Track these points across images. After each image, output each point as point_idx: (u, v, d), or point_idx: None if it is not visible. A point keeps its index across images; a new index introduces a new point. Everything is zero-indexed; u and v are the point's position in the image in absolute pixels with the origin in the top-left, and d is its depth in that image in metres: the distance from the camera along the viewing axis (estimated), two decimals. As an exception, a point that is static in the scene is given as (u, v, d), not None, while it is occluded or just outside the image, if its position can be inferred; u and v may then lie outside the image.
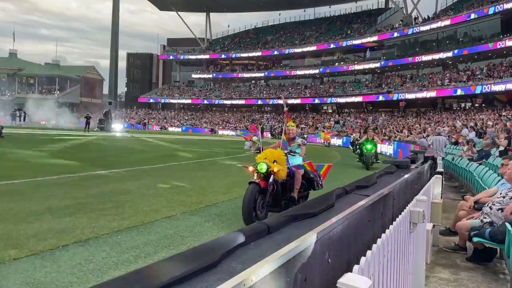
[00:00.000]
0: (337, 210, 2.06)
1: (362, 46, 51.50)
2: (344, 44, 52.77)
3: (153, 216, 5.61)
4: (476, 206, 5.21)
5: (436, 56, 42.53)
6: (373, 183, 3.26)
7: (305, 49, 57.41)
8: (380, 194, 2.67)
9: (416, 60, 44.43)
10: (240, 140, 33.07)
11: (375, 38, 49.25)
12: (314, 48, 56.29)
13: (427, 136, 17.94)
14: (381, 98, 45.22)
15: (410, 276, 3.08)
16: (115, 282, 1.10)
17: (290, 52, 58.81)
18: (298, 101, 54.59)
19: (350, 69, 52.59)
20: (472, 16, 38.58)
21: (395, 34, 46.85)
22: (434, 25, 42.85)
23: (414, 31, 44.91)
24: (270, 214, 5.46)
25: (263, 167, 5.33)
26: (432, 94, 40.18)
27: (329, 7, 65.33)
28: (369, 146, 14.07)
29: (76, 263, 3.70)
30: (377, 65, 49.47)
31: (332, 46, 54.11)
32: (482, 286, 3.93)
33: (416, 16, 48.06)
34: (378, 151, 16.00)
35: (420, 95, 41.31)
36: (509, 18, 34.86)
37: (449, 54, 40.85)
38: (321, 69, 55.92)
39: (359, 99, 48.36)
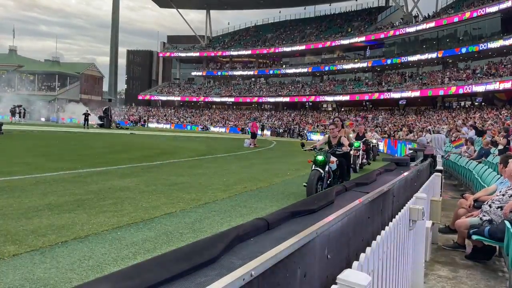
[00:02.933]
0: (336, 207, 2.06)
1: (361, 45, 51.76)
2: (327, 45, 54.20)
3: (152, 213, 5.61)
4: (475, 204, 5.21)
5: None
6: (373, 181, 3.25)
7: (294, 48, 58.04)
8: (380, 192, 2.67)
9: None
10: (239, 137, 33.06)
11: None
12: (303, 47, 57.09)
13: (425, 134, 17.93)
14: (375, 96, 45.72)
15: (409, 273, 3.09)
16: (114, 277, 1.10)
17: (280, 50, 59.34)
18: (298, 98, 54.71)
19: (339, 68, 53.74)
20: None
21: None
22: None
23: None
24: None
25: None
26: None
27: (330, 5, 65.29)
28: (320, 157, 7.24)
29: (76, 259, 3.70)
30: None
31: (322, 46, 55.00)
32: (481, 284, 3.93)
33: (416, 14, 48.03)
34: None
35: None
36: (509, 18, 34.86)
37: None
38: (311, 68, 56.85)
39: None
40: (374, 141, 16.18)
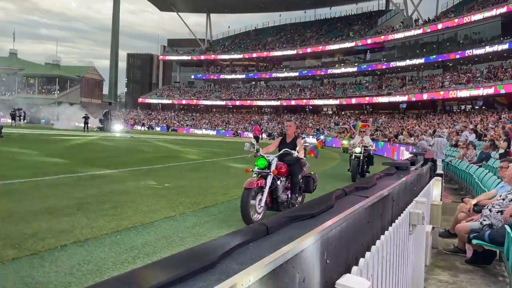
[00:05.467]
0: (336, 211, 2.06)
1: (362, 48, 52.06)
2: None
3: (152, 217, 5.61)
4: (476, 208, 5.21)
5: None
6: (373, 185, 3.25)
7: (294, 52, 58.57)
8: (380, 196, 2.66)
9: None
10: (240, 141, 33.05)
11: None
12: (303, 51, 57.41)
13: (430, 137, 17.86)
14: (374, 100, 46.13)
15: (409, 278, 3.08)
16: (113, 282, 1.09)
17: (280, 54, 59.86)
18: (298, 102, 54.88)
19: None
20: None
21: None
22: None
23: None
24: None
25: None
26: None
27: (330, 9, 65.54)
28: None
29: (75, 263, 3.69)
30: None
31: (322, 49, 55.50)
32: (481, 288, 3.92)
33: (416, 18, 48.17)
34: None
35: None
36: (509, 21, 34.97)
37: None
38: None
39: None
40: (358, 150, 11.85)
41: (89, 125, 36.50)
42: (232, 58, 65.81)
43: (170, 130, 55.35)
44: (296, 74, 58.26)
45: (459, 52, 39.07)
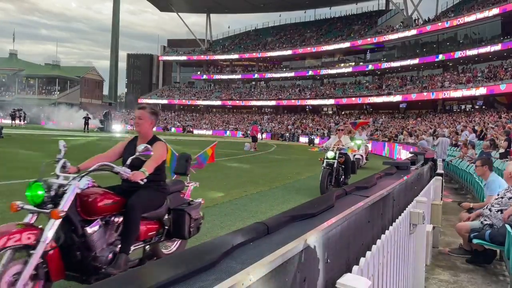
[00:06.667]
0: (336, 211, 2.05)
1: (360, 49, 52.15)
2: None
3: (152, 217, 5.59)
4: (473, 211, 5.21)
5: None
6: (373, 184, 3.25)
7: (294, 52, 58.77)
8: (380, 195, 2.66)
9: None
10: (239, 141, 33.03)
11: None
12: (303, 51, 57.61)
13: (432, 137, 17.83)
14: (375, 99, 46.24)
15: (410, 277, 3.08)
16: (113, 282, 1.09)
17: (280, 54, 60.06)
18: (298, 102, 54.93)
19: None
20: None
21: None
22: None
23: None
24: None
25: None
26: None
27: (330, 9, 65.55)
28: None
29: (75, 264, 3.68)
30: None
31: (322, 49, 55.74)
32: (481, 288, 3.92)
33: (416, 18, 48.20)
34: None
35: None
36: (509, 21, 34.97)
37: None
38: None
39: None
40: (331, 154, 8.80)
41: (89, 125, 36.49)
42: (232, 58, 65.81)
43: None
44: (296, 74, 58.33)
45: (459, 51, 39.04)
